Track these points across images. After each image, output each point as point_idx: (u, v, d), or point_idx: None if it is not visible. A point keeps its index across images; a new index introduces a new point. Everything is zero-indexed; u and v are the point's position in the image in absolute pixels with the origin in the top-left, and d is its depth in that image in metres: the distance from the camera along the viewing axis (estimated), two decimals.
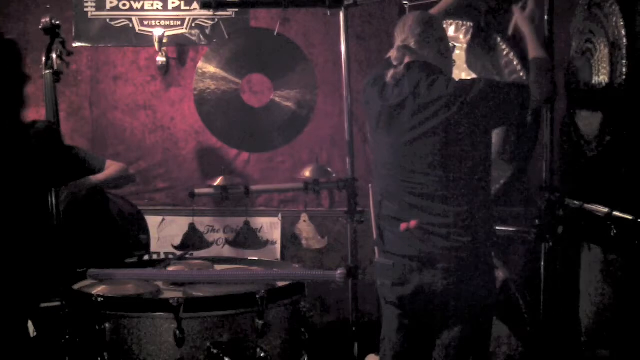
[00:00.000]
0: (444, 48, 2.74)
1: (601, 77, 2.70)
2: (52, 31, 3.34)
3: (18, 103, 2.51)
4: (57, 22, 3.35)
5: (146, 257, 3.72)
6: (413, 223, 2.57)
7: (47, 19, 3.33)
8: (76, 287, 2.65)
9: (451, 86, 2.56)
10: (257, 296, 2.37)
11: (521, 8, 2.83)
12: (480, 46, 3.16)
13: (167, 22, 4.63)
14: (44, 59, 3.30)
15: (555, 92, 2.77)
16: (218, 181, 3.68)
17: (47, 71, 3.28)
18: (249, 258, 3.22)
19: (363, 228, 3.70)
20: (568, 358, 3.14)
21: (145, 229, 3.72)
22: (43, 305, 2.80)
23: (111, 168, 3.56)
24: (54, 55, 3.29)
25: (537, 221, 2.95)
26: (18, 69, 2.51)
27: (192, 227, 3.72)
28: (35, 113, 3.46)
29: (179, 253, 3.62)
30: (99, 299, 2.40)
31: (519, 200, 3.26)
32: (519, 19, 2.82)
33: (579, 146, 2.94)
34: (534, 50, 2.71)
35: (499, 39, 3.07)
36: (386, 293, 2.71)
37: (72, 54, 3.47)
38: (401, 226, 2.60)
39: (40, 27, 3.33)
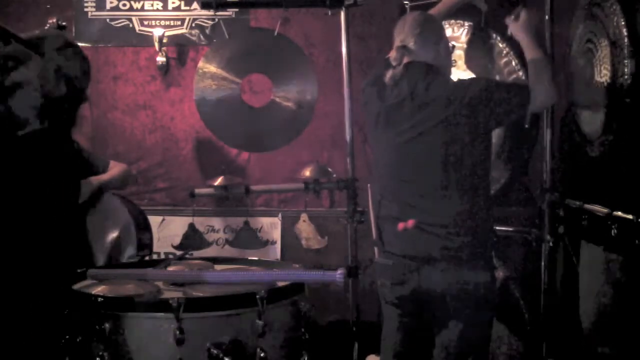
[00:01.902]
0: (443, 48, 2.74)
1: (602, 77, 2.70)
2: None
3: (73, 120, 2.55)
4: (64, 24, 3.36)
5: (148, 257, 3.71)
6: (411, 222, 2.57)
7: (54, 20, 3.34)
8: (76, 287, 2.65)
9: (449, 86, 2.57)
10: (257, 296, 2.37)
11: (514, 18, 2.84)
12: (480, 46, 3.17)
13: (167, 22, 4.63)
14: None
15: (557, 95, 2.77)
16: (218, 181, 3.68)
17: None
18: (249, 258, 3.22)
19: (363, 228, 3.69)
20: (568, 358, 3.14)
21: (147, 228, 3.71)
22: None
23: (115, 169, 3.56)
24: None
25: (537, 221, 2.95)
26: (84, 89, 2.54)
27: (192, 227, 3.71)
28: None
29: (179, 253, 3.61)
30: (99, 299, 2.39)
31: (519, 200, 3.27)
32: (513, 28, 2.83)
33: (580, 146, 2.94)
34: (530, 54, 2.71)
35: (498, 38, 3.08)
36: (386, 293, 2.71)
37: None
38: (399, 226, 2.60)
39: (46, 27, 3.34)
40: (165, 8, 4.64)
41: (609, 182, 2.76)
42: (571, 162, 3.14)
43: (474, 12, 3.20)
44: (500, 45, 3.07)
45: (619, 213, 2.57)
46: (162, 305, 2.35)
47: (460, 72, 3.19)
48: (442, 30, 2.81)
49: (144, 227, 3.68)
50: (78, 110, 2.58)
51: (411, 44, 2.68)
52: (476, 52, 3.17)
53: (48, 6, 4.60)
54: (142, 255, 3.53)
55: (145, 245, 3.64)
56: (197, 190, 3.65)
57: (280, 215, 4.55)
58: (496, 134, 2.93)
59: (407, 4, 3.50)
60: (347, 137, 3.74)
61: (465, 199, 2.56)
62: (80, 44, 4.68)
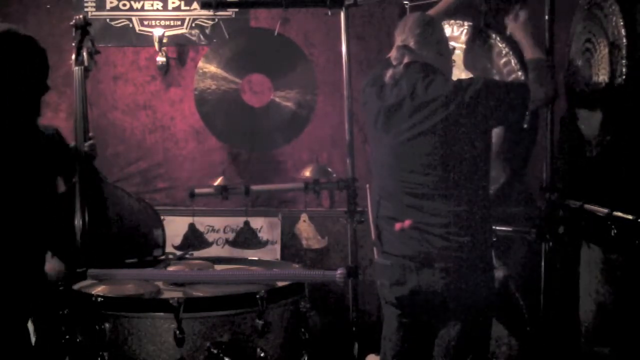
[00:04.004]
0: (444, 49, 2.75)
1: (601, 77, 2.70)
2: (83, 28, 3.36)
3: (36, 110, 2.61)
4: (89, 22, 3.38)
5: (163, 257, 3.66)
6: (407, 223, 2.58)
7: (81, 16, 3.38)
8: (76, 287, 2.65)
9: (448, 86, 2.57)
10: (257, 296, 2.37)
11: (514, 18, 2.85)
12: (479, 46, 3.17)
13: (167, 22, 4.63)
14: (74, 55, 3.31)
15: (556, 93, 2.78)
16: (218, 181, 3.68)
17: (77, 67, 3.30)
18: (249, 258, 3.22)
19: (363, 228, 3.70)
20: (568, 358, 3.14)
21: (159, 225, 3.65)
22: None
23: None
24: (85, 52, 3.31)
25: (537, 221, 2.95)
26: (44, 79, 2.60)
27: (192, 227, 3.71)
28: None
29: (179, 253, 3.61)
30: (99, 299, 2.40)
31: (519, 200, 3.26)
32: (512, 28, 2.85)
33: (579, 146, 2.94)
34: (530, 52, 2.73)
35: (497, 39, 3.08)
36: (385, 293, 2.72)
37: (100, 52, 3.49)
38: (396, 226, 2.60)
39: (71, 23, 3.37)
40: (165, 8, 4.64)
41: (608, 182, 2.76)
42: (571, 162, 3.13)
43: (473, 12, 3.20)
44: (500, 45, 3.07)
45: (619, 213, 2.57)
46: (162, 305, 2.35)
47: (459, 72, 3.19)
48: (442, 31, 2.82)
49: (157, 226, 3.62)
50: (40, 99, 2.62)
51: (412, 44, 2.69)
52: (475, 52, 3.17)
53: (48, 6, 4.61)
54: (155, 256, 3.49)
55: (157, 244, 3.60)
56: (197, 190, 3.65)
57: (280, 215, 4.56)
58: (495, 134, 2.93)
59: (407, 4, 3.50)
60: (347, 137, 3.75)
61: (465, 199, 2.56)
62: None
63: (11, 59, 2.53)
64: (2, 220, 2.48)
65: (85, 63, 3.31)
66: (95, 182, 3.30)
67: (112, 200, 3.38)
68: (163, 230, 3.61)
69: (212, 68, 3.92)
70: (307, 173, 3.77)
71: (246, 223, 3.85)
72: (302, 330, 2.59)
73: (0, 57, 2.52)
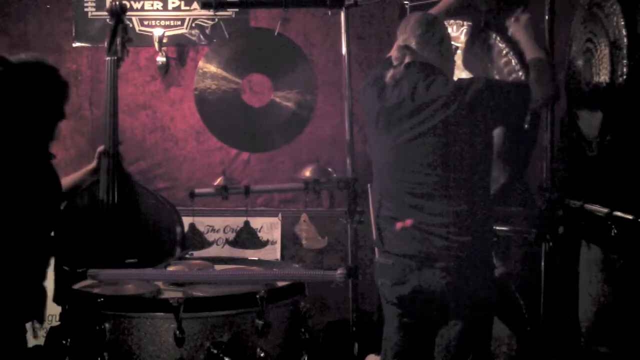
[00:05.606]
0: (445, 49, 2.74)
1: (602, 77, 2.70)
2: (118, 15, 3.18)
3: (51, 136, 2.65)
4: (125, 5, 3.22)
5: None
6: (408, 222, 2.58)
7: (117, 2, 3.17)
8: (76, 287, 2.65)
9: (449, 86, 2.57)
10: (257, 296, 2.37)
11: (515, 20, 2.85)
12: (480, 46, 3.17)
13: (167, 22, 4.62)
14: (106, 44, 3.14)
15: (557, 93, 2.78)
16: (218, 181, 3.67)
17: (110, 58, 3.12)
18: (249, 258, 3.22)
19: (363, 228, 3.69)
20: (568, 358, 3.14)
21: (179, 222, 3.60)
22: None
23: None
24: (118, 42, 3.13)
25: (537, 221, 2.95)
26: (62, 108, 2.63)
27: (192, 227, 3.70)
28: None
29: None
30: (99, 299, 2.40)
31: (519, 200, 3.26)
32: (514, 29, 2.85)
33: (579, 146, 2.94)
34: (531, 52, 2.73)
35: (497, 38, 3.08)
36: (386, 293, 2.72)
37: (132, 40, 3.32)
38: (397, 225, 2.60)
39: (105, 8, 3.23)
40: (165, 8, 4.64)
41: (608, 182, 2.76)
42: (571, 162, 3.14)
43: (473, 12, 3.20)
44: (500, 45, 3.07)
45: (619, 213, 2.57)
46: (162, 305, 2.36)
47: (459, 72, 3.19)
48: (444, 30, 2.80)
49: (178, 224, 3.56)
50: (56, 126, 2.67)
51: (413, 44, 2.68)
52: (476, 52, 3.17)
53: (48, 6, 4.60)
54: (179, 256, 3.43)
55: (180, 243, 3.57)
56: (197, 190, 3.65)
57: (280, 215, 4.55)
58: (496, 134, 2.93)
59: (407, 4, 3.50)
60: (347, 137, 3.74)
61: (465, 199, 2.56)
62: (80, 44, 4.74)
63: (36, 88, 2.58)
64: (10, 238, 2.51)
65: (119, 54, 3.13)
66: (123, 180, 3.25)
67: (139, 199, 3.35)
68: (182, 228, 3.57)
69: (212, 68, 3.92)
70: (307, 173, 3.77)
71: (246, 223, 3.84)
72: (302, 330, 2.59)
73: (26, 86, 2.58)
